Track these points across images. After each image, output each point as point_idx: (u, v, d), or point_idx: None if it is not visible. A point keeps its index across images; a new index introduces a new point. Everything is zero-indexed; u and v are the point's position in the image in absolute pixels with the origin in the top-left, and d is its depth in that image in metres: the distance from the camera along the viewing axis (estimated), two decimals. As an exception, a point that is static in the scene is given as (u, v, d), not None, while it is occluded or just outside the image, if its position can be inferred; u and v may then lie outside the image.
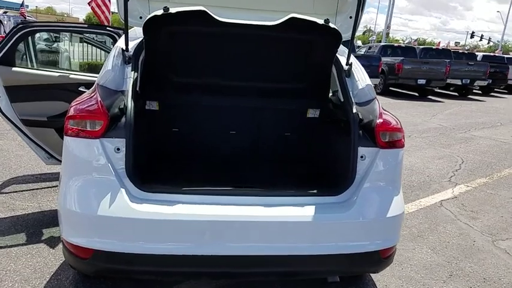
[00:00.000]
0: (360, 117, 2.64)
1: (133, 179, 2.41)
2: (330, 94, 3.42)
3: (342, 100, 2.87)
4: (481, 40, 60.09)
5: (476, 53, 22.67)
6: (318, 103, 3.42)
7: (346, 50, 3.10)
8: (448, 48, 27.15)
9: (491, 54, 25.13)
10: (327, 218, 2.42)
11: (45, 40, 6.10)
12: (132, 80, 2.67)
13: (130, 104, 2.50)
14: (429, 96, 17.22)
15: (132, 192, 2.40)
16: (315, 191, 2.59)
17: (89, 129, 2.41)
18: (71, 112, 2.49)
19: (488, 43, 61.68)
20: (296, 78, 3.24)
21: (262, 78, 3.20)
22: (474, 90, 19.12)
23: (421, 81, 15.93)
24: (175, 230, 2.31)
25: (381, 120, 2.60)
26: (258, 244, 2.37)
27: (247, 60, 3.06)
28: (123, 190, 2.37)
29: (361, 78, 2.94)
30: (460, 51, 24.63)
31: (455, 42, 64.99)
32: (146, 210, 2.32)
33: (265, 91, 3.31)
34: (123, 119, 2.46)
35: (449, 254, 3.92)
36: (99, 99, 2.48)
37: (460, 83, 17.37)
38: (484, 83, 18.04)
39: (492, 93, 20.69)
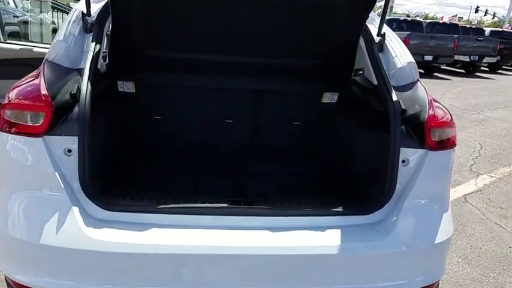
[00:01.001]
0: (403, 107, 1.95)
1: (90, 193, 1.74)
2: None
3: (375, 83, 2.17)
4: (485, 15, 58.47)
5: (484, 28, 21.71)
6: (336, 85, 2.71)
7: (376, 18, 2.37)
8: (455, 22, 26.12)
9: (500, 29, 24.16)
10: (358, 249, 1.77)
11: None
12: (91, 54, 1.95)
13: (86, 87, 1.80)
14: (435, 74, 16.43)
15: (89, 211, 1.74)
16: (339, 209, 1.92)
17: (28, 123, 1.72)
18: (6, 99, 1.79)
19: (492, 18, 60.17)
20: (310, 53, 2.52)
21: (265, 53, 2.49)
22: (481, 67, 18.33)
23: (428, 58, 15.06)
24: (147, 268, 1.65)
25: (432, 113, 1.92)
26: None
27: (247, 28, 2.32)
28: (75, 209, 1.70)
29: (400, 53, 2.23)
30: (468, 26, 23.60)
31: (459, 17, 63.05)
32: (107, 238, 1.66)
33: (270, 69, 2.59)
34: (76, 109, 1.76)
35: (484, 264, 3.32)
36: (41, 81, 1.78)
37: (468, 59, 16.51)
38: (493, 60, 17.20)
39: (500, 71, 19.91)
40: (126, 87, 2.59)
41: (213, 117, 2.76)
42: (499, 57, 17.68)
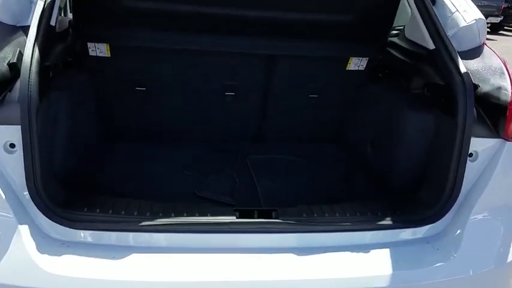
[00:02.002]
0: (474, 82, 1.44)
1: (46, 204, 1.23)
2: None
3: (430, 47, 1.63)
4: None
5: (487, -14, 20.77)
6: (367, 47, 2.16)
7: None
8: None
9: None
10: (415, 277, 1.31)
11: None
12: (42, 5, 1.37)
13: (32, 53, 1.25)
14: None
15: (44, 229, 1.24)
16: (383, 220, 1.43)
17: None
18: None
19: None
20: (335, 4, 1.95)
21: (274, 4, 1.90)
22: (484, 28, 17.58)
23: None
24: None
25: None
26: None
27: None
28: (23, 229, 1.20)
29: (462, 7, 1.67)
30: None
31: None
32: (68, 272, 1.17)
33: (281, 26, 2.03)
34: (18, 85, 1.22)
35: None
36: None
37: (471, 19, 15.80)
38: (496, 20, 16.48)
39: (502, 31, 19.23)
40: (99, 50, 2.01)
41: (210, 89, 2.20)
42: (502, 17, 16.97)
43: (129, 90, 2.16)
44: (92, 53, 2.01)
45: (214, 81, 2.19)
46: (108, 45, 2.01)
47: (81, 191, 1.47)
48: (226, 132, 2.42)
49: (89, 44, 1.98)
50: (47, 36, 1.36)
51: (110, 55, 2.04)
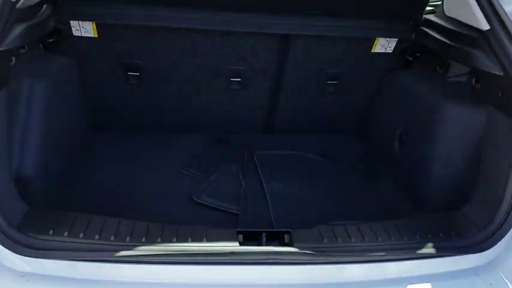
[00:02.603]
0: None
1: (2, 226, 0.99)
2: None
3: (485, 27, 1.31)
4: None
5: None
6: (396, 26, 1.84)
7: None
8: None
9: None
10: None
11: None
12: None
13: None
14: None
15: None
16: (426, 247, 1.15)
17: None
18: None
19: None
20: None
21: None
22: None
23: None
24: None
25: None
26: None
27: None
28: None
29: None
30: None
31: None
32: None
33: (297, 2, 1.72)
34: None
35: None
36: None
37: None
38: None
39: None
40: (84, 29, 1.72)
41: (213, 74, 1.90)
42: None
43: (120, 76, 1.88)
44: (76, 32, 1.73)
45: (218, 65, 1.90)
46: (94, 24, 1.72)
47: (53, 204, 1.23)
48: (232, 123, 2.14)
49: (72, 23, 1.70)
50: (11, 13, 1.08)
51: (96, 35, 1.75)
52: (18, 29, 1.12)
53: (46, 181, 1.43)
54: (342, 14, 1.77)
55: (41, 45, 1.72)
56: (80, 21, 1.69)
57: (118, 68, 1.86)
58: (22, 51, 1.53)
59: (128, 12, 1.67)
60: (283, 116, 2.16)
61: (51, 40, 1.71)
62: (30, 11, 1.32)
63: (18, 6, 1.16)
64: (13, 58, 1.16)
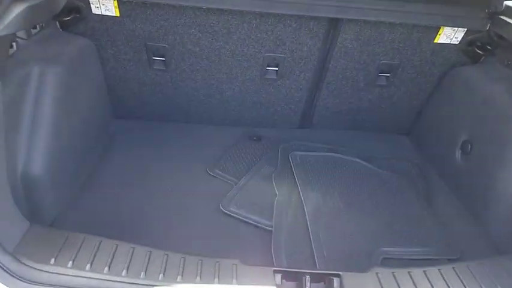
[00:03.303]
0: None
1: None
2: None
3: None
4: None
5: None
6: (468, 14, 1.54)
7: None
8: None
9: None
10: None
11: None
12: None
13: None
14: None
15: None
16: None
17: None
18: None
19: None
20: None
21: None
22: None
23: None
24: None
25: None
26: None
27: None
28: None
29: None
30: None
31: None
32: None
33: None
34: None
35: None
36: None
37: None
38: None
39: None
40: (105, 7, 1.52)
41: (247, 62, 1.67)
42: None
43: (144, 60, 1.68)
44: (95, 10, 1.53)
45: (254, 52, 1.67)
46: (115, 1, 1.51)
47: (60, 206, 1.06)
48: (265, 116, 1.92)
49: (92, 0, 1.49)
50: None
51: (118, 14, 1.54)
52: (16, 10, 0.91)
53: (56, 182, 1.27)
54: None
55: (57, 23, 1.54)
56: None
57: (142, 51, 1.66)
58: (33, 31, 1.35)
59: None
60: (324, 110, 1.92)
61: (68, 18, 1.52)
62: None
63: None
64: (13, 44, 0.97)
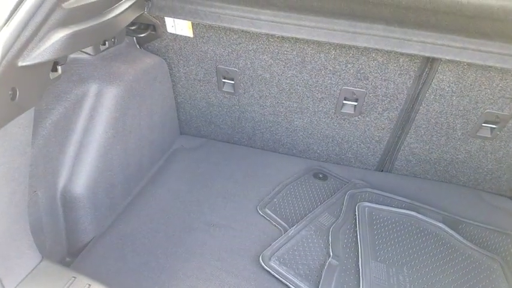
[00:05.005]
0: None
1: None
2: None
3: None
4: None
5: None
6: None
7: None
8: None
9: None
10: None
11: None
12: None
13: None
14: None
15: None
16: None
17: None
18: None
19: None
20: None
21: None
22: None
23: None
24: None
25: None
26: None
27: None
28: None
29: None
30: None
31: None
32: None
33: (453, 16, 1.16)
34: None
35: None
36: None
37: None
38: None
39: None
40: (180, 27, 1.48)
41: (321, 94, 1.50)
42: None
43: (213, 82, 1.62)
44: (170, 29, 1.50)
45: (330, 83, 1.48)
46: (190, 23, 1.46)
47: (98, 228, 1.02)
48: (336, 154, 1.72)
49: (167, 19, 1.47)
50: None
51: (192, 35, 1.50)
52: (55, 38, 0.88)
53: (98, 202, 1.26)
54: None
55: (134, 39, 1.56)
56: (175, 19, 1.45)
57: (212, 73, 1.59)
58: (102, 47, 1.37)
59: (228, 13, 1.36)
60: (409, 155, 1.64)
61: (144, 35, 1.52)
62: (91, 9, 1.08)
63: (65, 4, 0.91)
64: (58, 68, 0.95)
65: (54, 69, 0.94)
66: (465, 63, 1.29)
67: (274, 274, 1.19)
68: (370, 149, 1.68)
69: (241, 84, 1.59)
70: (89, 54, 1.31)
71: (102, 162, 1.24)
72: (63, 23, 0.87)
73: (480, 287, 1.22)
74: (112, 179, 1.31)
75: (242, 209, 1.45)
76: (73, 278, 0.89)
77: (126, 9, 1.18)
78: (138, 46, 1.57)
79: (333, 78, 1.47)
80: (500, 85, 1.31)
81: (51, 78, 0.92)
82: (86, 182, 1.19)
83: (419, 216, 1.46)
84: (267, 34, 1.38)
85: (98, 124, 1.22)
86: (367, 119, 1.57)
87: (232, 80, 1.59)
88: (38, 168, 1.05)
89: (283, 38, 1.39)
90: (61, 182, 1.16)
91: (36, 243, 0.92)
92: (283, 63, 1.47)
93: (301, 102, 1.58)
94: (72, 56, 1.30)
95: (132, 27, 1.52)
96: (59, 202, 1.16)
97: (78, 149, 1.19)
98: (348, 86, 1.48)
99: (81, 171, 1.19)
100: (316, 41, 1.35)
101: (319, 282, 1.17)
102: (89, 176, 1.20)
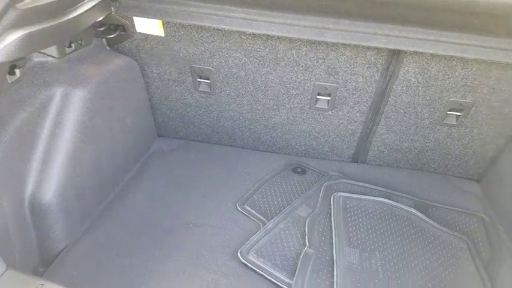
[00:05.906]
0: None
1: None
2: None
3: None
4: None
5: None
6: None
7: None
8: None
9: None
10: None
11: None
12: None
13: None
14: None
15: None
16: None
17: None
18: None
19: None
20: None
21: None
22: None
23: None
24: None
25: None
26: None
27: None
28: None
29: None
30: None
31: None
32: None
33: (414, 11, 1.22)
34: None
35: None
36: None
37: None
38: None
39: None
40: (150, 26, 1.48)
41: (296, 90, 1.53)
42: None
43: (189, 82, 1.62)
44: (140, 29, 1.50)
45: (303, 79, 1.52)
46: (161, 22, 1.46)
47: (72, 234, 1.02)
48: (313, 148, 1.76)
49: (136, 18, 1.47)
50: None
51: (163, 34, 1.50)
52: (9, 39, 0.85)
53: (69, 209, 1.25)
54: (487, 31, 1.23)
55: (104, 40, 1.54)
56: (145, 18, 1.45)
57: (187, 72, 1.60)
58: (68, 50, 1.35)
59: (198, 11, 1.37)
60: (381, 146, 1.70)
61: (113, 36, 1.51)
62: (48, 10, 1.05)
63: (20, 5, 0.88)
64: (16, 71, 0.94)
65: (12, 72, 0.93)
66: (428, 54, 1.34)
67: (252, 267, 1.22)
68: (345, 141, 1.72)
69: (217, 83, 1.60)
70: (54, 57, 1.29)
71: (71, 167, 1.23)
72: (17, 24, 0.86)
73: (448, 264, 1.29)
74: (82, 184, 1.30)
75: (221, 207, 1.47)
76: (40, 286, 0.89)
77: (89, 9, 1.17)
78: (108, 48, 1.57)
79: (305, 74, 1.50)
80: (462, 74, 1.37)
81: (9, 81, 0.91)
82: (54, 188, 1.17)
83: (392, 202, 1.52)
84: (239, 31, 1.40)
85: (65, 129, 1.21)
86: (340, 113, 1.61)
87: (208, 79, 1.60)
88: (0, 175, 1.04)
89: (255, 35, 1.41)
90: (28, 189, 1.14)
91: (1, 253, 0.91)
92: (257, 60, 1.49)
93: (277, 99, 1.61)
94: (36, 59, 1.27)
95: (101, 29, 1.50)
96: (27, 210, 1.15)
97: (45, 155, 1.17)
98: (320, 82, 1.51)
99: (49, 177, 1.17)
100: (288, 37, 1.37)
101: (295, 271, 1.21)
102: (58, 182, 1.18)
